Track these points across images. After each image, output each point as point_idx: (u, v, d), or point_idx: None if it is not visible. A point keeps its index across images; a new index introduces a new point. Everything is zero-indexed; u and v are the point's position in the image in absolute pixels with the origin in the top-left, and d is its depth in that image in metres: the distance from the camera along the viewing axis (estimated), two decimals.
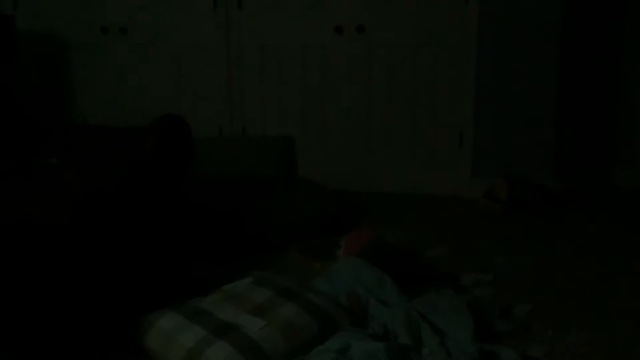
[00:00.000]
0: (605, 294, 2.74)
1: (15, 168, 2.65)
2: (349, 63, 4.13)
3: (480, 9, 3.87)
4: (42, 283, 2.15)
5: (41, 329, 2.13)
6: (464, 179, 4.09)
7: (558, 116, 3.98)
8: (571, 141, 4.12)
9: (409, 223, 3.64)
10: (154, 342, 2.20)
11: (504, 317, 2.50)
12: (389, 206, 3.93)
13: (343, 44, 4.09)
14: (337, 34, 4.07)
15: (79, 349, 2.21)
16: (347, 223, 3.44)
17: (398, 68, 4.07)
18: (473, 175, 4.07)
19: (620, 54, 4.20)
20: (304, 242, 3.07)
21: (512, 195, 3.85)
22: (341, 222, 3.46)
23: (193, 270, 2.94)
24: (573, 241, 3.36)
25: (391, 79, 4.10)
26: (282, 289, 2.38)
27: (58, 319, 2.19)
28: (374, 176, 4.19)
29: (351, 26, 4.05)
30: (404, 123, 4.13)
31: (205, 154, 3.80)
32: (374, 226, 3.34)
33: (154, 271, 2.72)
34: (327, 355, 2.09)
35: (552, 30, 3.84)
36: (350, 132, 4.22)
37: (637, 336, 2.40)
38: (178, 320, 2.22)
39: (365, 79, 4.13)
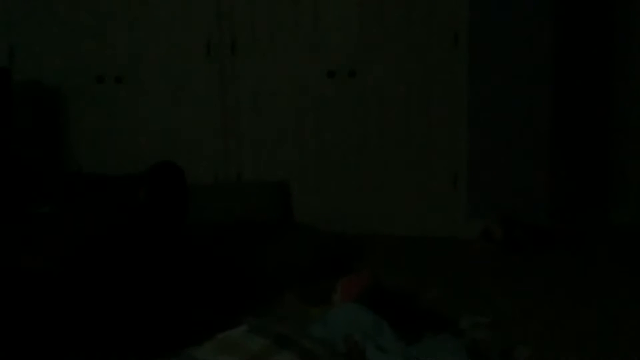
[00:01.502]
0: (606, 336, 2.71)
1: (8, 217, 2.64)
2: (342, 107, 4.16)
3: (470, 51, 3.93)
4: (35, 333, 2.12)
5: None
6: (459, 221, 4.08)
7: (552, 156, 4.00)
8: (565, 181, 4.13)
9: (405, 266, 3.62)
10: None
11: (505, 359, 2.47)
12: (385, 249, 3.91)
13: (336, 88, 4.14)
14: (329, 78, 4.12)
15: None
16: (343, 266, 3.42)
17: (391, 111, 4.11)
18: (468, 216, 4.07)
19: (614, 91, 4.24)
20: (300, 288, 3.05)
21: (507, 236, 3.84)
22: (337, 265, 3.44)
23: (189, 317, 2.91)
24: (571, 282, 3.33)
25: (385, 122, 4.13)
26: (278, 337, 2.34)
27: None
28: (369, 219, 4.19)
29: (343, 71, 4.10)
30: (399, 165, 4.15)
31: (201, 200, 3.80)
32: (371, 269, 3.31)
33: (149, 319, 2.69)
34: None
35: (543, 70, 3.89)
36: (345, 175, 4.23)
37: None
38: None
39: (359, 122, 4.16)
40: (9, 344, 2.05)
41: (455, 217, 4.09)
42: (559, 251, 3.81)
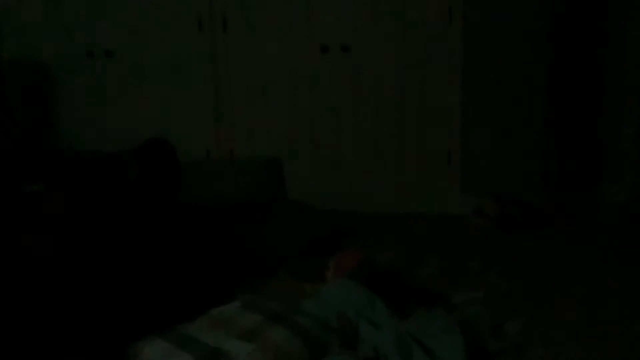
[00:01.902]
0: (597, 312, 2.73)
1: None
2: (335, 83, 4.14)
3: (465, 29, 3.90)
4: (25, 314, 2.11)
5: None
6: (453, 197, 4.09)
7: (545, 134, 3.99)
8: (558, 159, 4.13)
9: (398, 242, 3.63)
10: None
11: (495, 335, 2.48)
12: (379, 225, 3.91)
13: (329, 64, 4.10)
14: (323, 53, 4.08)
15: None
16: (336, 244, 3.42)
17: (385, 87, 4.08)
18: (462, 192, 4.07)
19: (606, 71, 4.23)
20: (293, 265, 3.05)
21: (501, 212, 3.85)
22: (330, 242, 3.44)
23: (181, 295, 2.91)
24: (563, 259, 3.35)
25: (378, 98, 4.11)
26: (271, 313, 2.35)
27: (43, 349, 2.15)
28: (363, 196, 4.19)
29: (336, 46, 4.06)
30: (392, 142, 4.14)
31: (193, 177, 3.79)
32: (363, 246, 3.32)
33: (142, 298, 2.68)
34: None
35: (537, 48, 3.87)
36: (338, 152, 4.22)
37: (629, 356, 2.38)
38: (166, 347, 2.18)
39: (353, 99, 4.14)
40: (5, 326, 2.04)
41: (449, 194, 4.09)
42: (552, 229, 3.82)
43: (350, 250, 3.12)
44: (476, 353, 2.30)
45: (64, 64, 4.43)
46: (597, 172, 4.31)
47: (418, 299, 2.77)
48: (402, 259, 3.33)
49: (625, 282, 3.03)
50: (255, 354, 2.12)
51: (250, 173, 4.17)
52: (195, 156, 4.23)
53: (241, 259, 3.23)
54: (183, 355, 2.13)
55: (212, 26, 4.19)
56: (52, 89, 4.49)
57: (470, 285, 2.99)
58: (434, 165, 4.09)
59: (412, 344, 2.26)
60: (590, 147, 4.30)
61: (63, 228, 2.29)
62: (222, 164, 4.29)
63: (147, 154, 2.74)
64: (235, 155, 4.34)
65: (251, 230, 3.44)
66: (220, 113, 4.31)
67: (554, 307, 2.79)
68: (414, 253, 3.44)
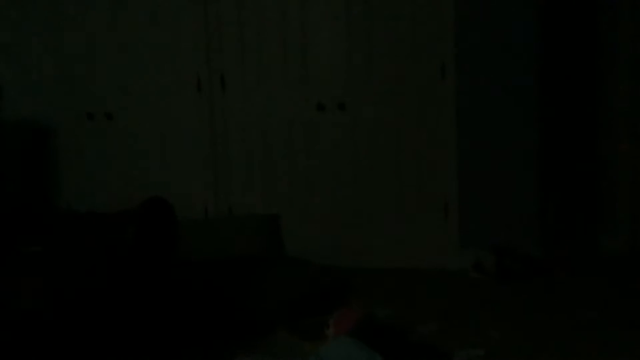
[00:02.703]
0: None
1: None
2: (332, 140, 4.18)
3: (458, 83, 3.97)
4: None
5: None
6: (451, 251, 4.08)
7: (541, 184, 4.02)
8: (555, 210, 4.15)
9: (398, 298, 3.60)
10: None
11: None
12: (377, 281, 3.89)
13: (326, 121, 4.16)
14: (319, 111, 4.14)
15: None
16: (335, 300, 3.40)
17: (381, 143, 4.13)
18: (460, 245, 4.07)
19: (601, 120, 4.28)
20: (292, 322, 3.02)
21: (500, 266, 3.84)
22: (330, 299, 3.42)
23: (181, 353, 2.87)
24: (563, 311, 3.32)
25: (375, 153, 4.15)
26: None
27: None
28: (361, 251, 4.18)
29: (333, 104, 4.13)
30: (389, 197, 4.16)
31: (191, 235, 3.78)
32: (363, 303, 3.30)
33: (140, 357, 2.65)
34: None
35: (530, 98, 3.93)
36: (336, 208, 4.23)
37: None
38: None
39: (349, 155, 4.18)
40: None
41: (447, 247, 4.09)
42: (551, 280, 3.80)
43: (349, 307, 3.10)
44: None
45: (64, 125, 4.48)
46: (595, 223, 4.32)
47: (419, 357, 2.74)
48: (402, 316, 3.30)
49: (628, 331, 3.00)
50: None
51: (249, 230, 4.17)
52: (194, 214, 4.24)
53: (240, 316, 3.20)
54: None
55: (211, 86, 4.27)
56: (52, 150, 4.53)
57: (471, 342, 2.96)
58: (432, 220, 4.10)
59: None
60: (588, 197, 4.32)
61: (61, 289, 2.29)
62: (220, 221, 4.29)
63: (145, 214, 2.75)
64: (233, 212, 4.35)
65: (249, 287, 3.42)
66: (219, 171, 4.34)
67: (558, 359, 2.76)
68: (414, 309, 3.41)
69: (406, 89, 4.06)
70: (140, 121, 4.40)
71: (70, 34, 4.43)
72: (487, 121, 3.98)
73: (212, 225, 4.23)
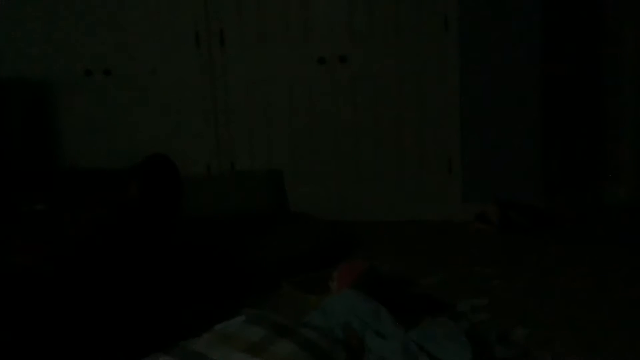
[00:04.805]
0: (604, 315, 2.72)
1: (2, 216, 2.62)
2: (334, 94, 4.15)
3: (461, 35, 3.91)
4: (29, 332, 2.11)
5: None
6: (454, 204, 4.08)
7: (545, 137, 4.00)
8: (558, 160, 4.13)
9: (401, 251, 3.62)
10: None
11: (503, 342, 2.48)
12: (381, 235, 3.91)
13: (327, 75, 4.11)
14: (320, 64, 4.09)
15: None
16: (339, 254, 3.42)
17: (383, 97, 4.09)
18: (463, 200, 4.07)
19: (606, 70, 4.23)
20: (297, 277, 3.04)
21: (503, 217, 3.84)
22: (334, 253, 3.44)
23: (185, 310, 2.90)
24: (567, 262, 3.34)
25: (377, 108, 4.11)
26: (276, 327, 2.34)
27: None
28: (364, 205, 4.18)
29: (334, 57, 4.07)
30: (392, 151, 4.14)
31: (194, 191, 3.78)
32: (366, 256, 3.32)
33: (145, 314, 2.68)
34: None
35: (534, 49, 3.88)
36: (339, 163, 4.22)
37: (635, 358, 2.37)
38: None
39: (351, 109, 4.15)
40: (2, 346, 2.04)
41: (451, 201, 4.09)
42: (555, 231, 3.81)
43: (353, 260, 3.12)
44: None
45: (63, 82, 4.44)
46: (598, 172, 4.30)
47: (423, 308, 2.77)
48: (406, 268, 3.32)
49: (630, 283, 3.02)
50: None
51: (252, 185, 4.18)
52: (196, 170, 4.23)
53: (244, 272, 3.22)
54: None
55: (209, 41, 4.21)
56: (52, 107, 4.50)
57: (474, 292, 2.98)
58: (435, 173, 4.09)
59: (419, 353, 2.25)
60: (590, 147, 4.30)
61: (66, 247, 2.29)
62: (223, 178, 4.29)
63: (149, 171, 2.74)
64: (236, 168, 4.34)
65: (254, 243, 3.44)
66: (220, 127, 4.32)
67: (560, 310, 2.78)
68: (417, 261, 3.44)
69: (408, 42, 4.00)
70: (139, 78, 4.35)
71: None
72: (490, 74, 3.93)
73: (215, 182, 4.23)
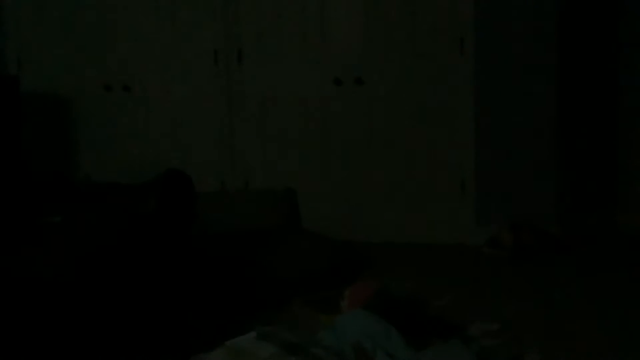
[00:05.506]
0: (617, 342, 2.70)
1: (19, 228, 2.65)
2: (348, 114, 4.17)
3: (477, 58, 3.93)
4: (44, 342, 2.12)
5: None
6: (467, 227, 4.07)
7: (559, 161, 3.99)
8: (573, 186, 4.12)
9: (413, 272, 3.61)
10: None
11: None
12: (393, 256, 3.90)
13: (343, 96, 4.14)
14: (336, 86, 4.13)
15: None
16: (351, 274, 3.42)
17: (397, 119, 4.11)
18: (476, 222, 4.06)
19: (620, 96, 4.23)
20: (308, 295, 3.04)
21: (517, 242, 3.83)
22: (345, 273, 3.43)
23: (197, 325, 2.91)
24: (580, 287, 3.32)
25: (391, 129, 4.13)
26: (287, 344, 2.34)
27: None
28: (377, 226, 4.18)
29: (350, 78, 4.11)
30: (406, 173, 4.15)
31: (208, 208, 3.80)
32: (378, 277, 3.31)
33: (158, 327, 2.69)
34: None
35: (548, 73, 3.89)
36: (352, 183, 4.23)
37: None
38: None
39: (365, 130, 4.17)
40: (18, 353, 2.05)
41: (464, 224, 4.08)
42: (568, 257, 3.79)
43: (365, 280, 3.12)
44: None
45: (83, 97, 4.50)
46: (612, 198, 4.29)
47: (434, 330, 2.76)
48: (417, 290, 3.31)
49: None
50: None
51: (265, 203, 4.19)
52: (211, 187, 4.26)
53: (256, 289, 3.23)
54: None
55: (227, 59, 4.26)
56: (71, 121, 4.56)
57: (486, 316, 2.97)
58: (448, 195, 4.09)
59: None
60: (605, 173, 4.28)
61: (81, 259, 2.31)
62: (236, 195, 4.31)
63: (166, 185, 2.77)
64: (249, 186, 4.37)
65: (266, 260, 3.44)
66: (235, 145, 4.35)
67: (572, 336, 2.76)
68: (429, 283, 3.42)
69: (424, 64, 4.03)
70: (157, 94, 4.41)
71: (89, 6, 4.42)
72: (505, 96, 3.95)
73: (229, 199, 4.25)
